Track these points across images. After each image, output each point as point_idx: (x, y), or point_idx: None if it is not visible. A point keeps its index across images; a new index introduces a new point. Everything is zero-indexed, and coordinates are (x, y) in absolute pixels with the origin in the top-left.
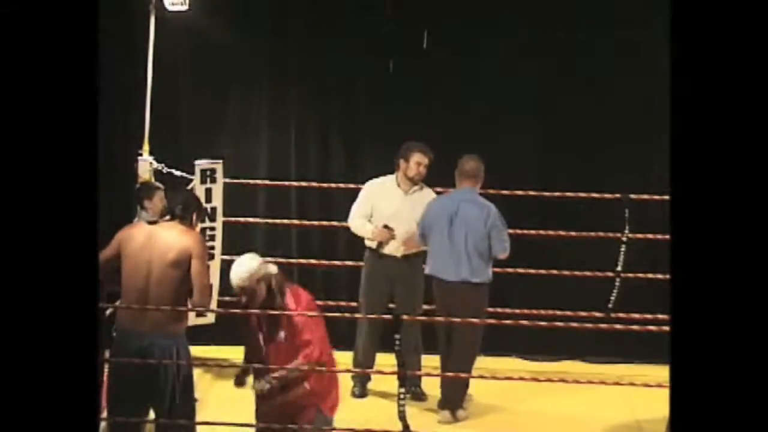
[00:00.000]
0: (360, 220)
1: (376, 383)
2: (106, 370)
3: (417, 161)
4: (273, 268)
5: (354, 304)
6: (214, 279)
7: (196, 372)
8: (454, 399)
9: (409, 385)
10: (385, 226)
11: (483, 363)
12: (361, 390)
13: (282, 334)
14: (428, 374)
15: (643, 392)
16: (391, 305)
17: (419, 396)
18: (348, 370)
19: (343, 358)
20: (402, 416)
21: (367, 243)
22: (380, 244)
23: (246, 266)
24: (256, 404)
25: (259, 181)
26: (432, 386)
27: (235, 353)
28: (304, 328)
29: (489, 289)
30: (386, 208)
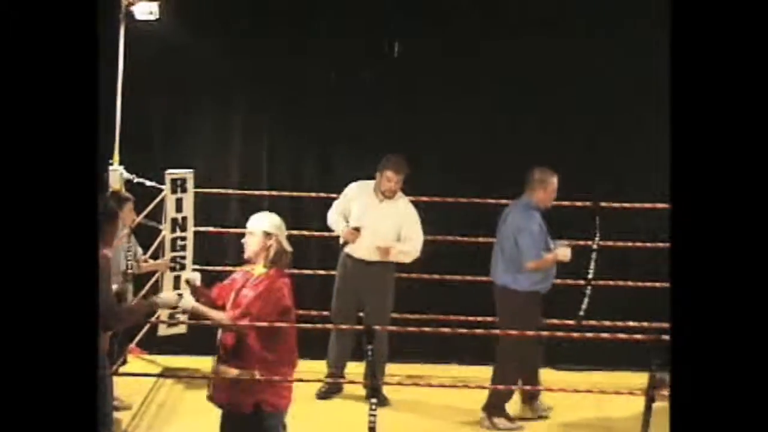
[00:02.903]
0: (336, 216)
1: (346, 387)
2: None
3: (387, 178)
4: (286, 245)
5: (326, 313)
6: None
7: (167, 382)
8: (491, 403)
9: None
10: (356, 228)
11: (456, 372)
12: (326, 393)
13: (245, 291)
14: (401, 384)
15: (615, 400)
16: (361, 314)
17: (382, 401)
18: (319, 379)
19: (319, 367)
20: (372, 429)
21: (342, 244)
22: (345, 244)
23: (263, 219)
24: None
25: (230, 191)
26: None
27: (207, 363)
28: (254, 301)
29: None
30: (360, 211)
